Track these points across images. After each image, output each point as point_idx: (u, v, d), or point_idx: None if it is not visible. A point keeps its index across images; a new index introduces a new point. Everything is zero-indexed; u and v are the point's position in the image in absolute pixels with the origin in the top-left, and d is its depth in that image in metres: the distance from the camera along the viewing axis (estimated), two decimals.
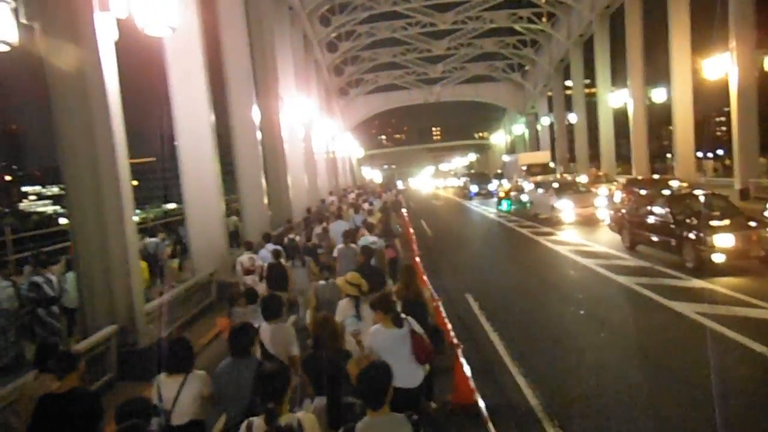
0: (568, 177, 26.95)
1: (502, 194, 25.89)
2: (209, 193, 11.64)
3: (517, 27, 40.51)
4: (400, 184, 63.67)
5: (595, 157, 37.44)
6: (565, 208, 18.12)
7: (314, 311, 6.17)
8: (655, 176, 20.01)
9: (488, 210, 26.34)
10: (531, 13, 38.04)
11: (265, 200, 16.00)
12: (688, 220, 10.62)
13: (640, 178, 21.05)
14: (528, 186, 30.31)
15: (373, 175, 79.75)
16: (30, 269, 9.91)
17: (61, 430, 3.49)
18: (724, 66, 19.79)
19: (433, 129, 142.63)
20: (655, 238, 11.59)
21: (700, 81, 23.74)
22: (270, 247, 9.57)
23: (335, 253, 9.14)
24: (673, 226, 10.86)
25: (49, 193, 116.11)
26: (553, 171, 33.50)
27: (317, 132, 28.59)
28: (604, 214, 17.44)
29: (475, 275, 12.30)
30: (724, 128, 48.33)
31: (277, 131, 19.76)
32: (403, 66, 47.48)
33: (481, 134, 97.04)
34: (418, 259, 11.94)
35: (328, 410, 3.74)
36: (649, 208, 11.96)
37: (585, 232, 16.49)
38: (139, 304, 7.57)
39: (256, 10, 19.51)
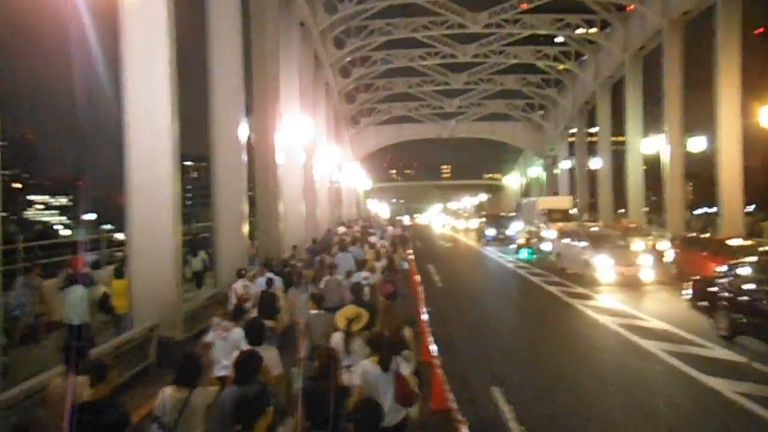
0: (595, 227, 23.95)
1: (522, 241, 23.06)
2: (162, 222, 8.98)
3: (540, 65, 38.43)
4: (406, 219, 60.92)
5: (621, 206, 34.84)
6: (604, 265, 15.25)
7: (305, 340, 6.39)
8: (735, 239, 16.09)
9: (505, 257, 23.47)
10: (558, 51, 36.00)
11: (245, 230, 13.32)
12: None
13: (703, 236, 17.81)
14: (550, 234, 27.60)
15: (380, 209, 77.41)
16: (23, 280, 10.17)
17: None
18: None
19: (443, 166, 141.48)
20: None
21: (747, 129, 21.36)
22: (268, 275, 9.23)
23: (322, 284, 9.18)
24: None
25: (56, 204, 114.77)
26: (575, 218, 30.70)
27: (321, 159, 26.16)
28: (649, 275, 15.10)
29: (500, 355, 9.33)
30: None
31: (271, 153, 17.30)
32: (418, 98, 45.40)
33: (490, 175, 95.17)
34: (425, 317, 9.19)
35: None
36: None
37: (631, 297, 13.65)
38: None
39: (260, 16, 17.36)
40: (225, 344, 5.61)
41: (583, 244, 16.58)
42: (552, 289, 15.11)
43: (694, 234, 19.22)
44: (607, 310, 12.22)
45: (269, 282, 8.70)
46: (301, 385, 4.21)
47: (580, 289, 14.66)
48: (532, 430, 6.07)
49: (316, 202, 24.57)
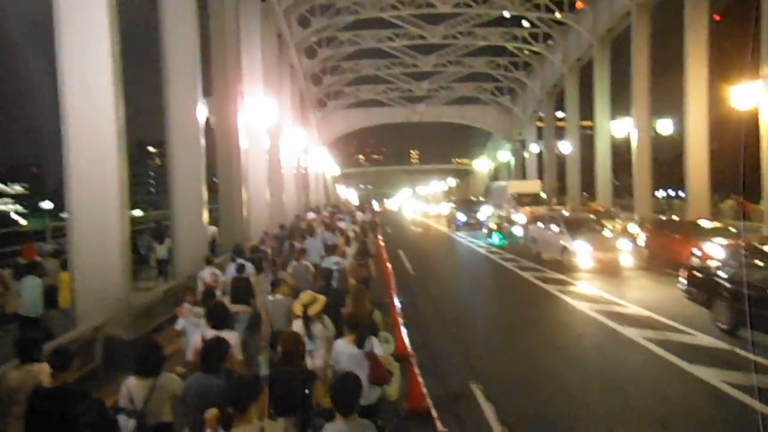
0: (565, 211, 23.79)
1: (493, 226, 22.72)
2: (106, 209, 8.11)
3: (510, 47, 38.06)
4: (375, 205, 60.32)
5: (586, 189, 35.01)
6: (582, 251, 14.76)
7: (267, 325, 6.44)
8: (705, 220, 15.77)
9: (476, 242, 23.14)
10: (527, 33, 35.66)
11: (205, 217, 12.48)
12: None
13: (674, 218, 17.56)
14: (521, 218, 27.42)
15: (349, 194, 76.51)
16: None
17: (52, 424, 3.49)
18: (753, 95, 17.21)
19: (411, 152, 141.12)
20: None
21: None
22: (239, 261, 8.98)
23: (289, 270, 9.00)
24: None
25: (11, 192, 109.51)
26: (545, 202, 30.66)
27: (287, 143, 25.21)
28: (627, 260, 14.68)
29: (478, 348, 8.89)
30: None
31: (233, 137, 16.41)
32: (386, 81, 44.49)
33: (458, 160, 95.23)
34: (398, 304, 8.68)
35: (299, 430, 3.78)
36: None
37: (609, 284, 13.23)
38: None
39: None
40: (197, 331, 5.43)
41: (560, 229, 16.12)
42: (527, 275, 14.76)
43: (663, 216, 19.13)
44: (582, 296, 11.88)
45: (240, 267, 8.52)
46: (265, 371, 4.21)
47: (555, 275, 14.34)
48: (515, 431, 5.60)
49: (282, 187, 23.70)
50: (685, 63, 21.68)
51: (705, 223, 15.66)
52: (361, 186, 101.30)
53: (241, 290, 7.51)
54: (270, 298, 6.82)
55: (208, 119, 16.26)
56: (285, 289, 6.81)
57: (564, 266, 15.16)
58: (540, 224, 17.90)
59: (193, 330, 5.60)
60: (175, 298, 11.11)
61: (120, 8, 8.22)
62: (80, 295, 8.09)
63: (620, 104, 30.22)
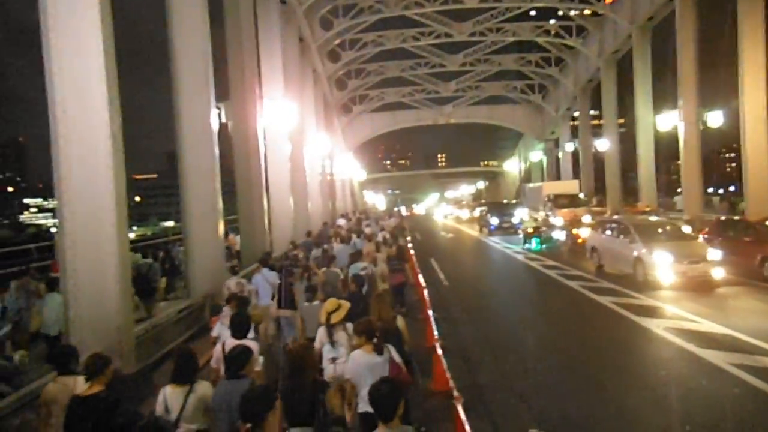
0: (648, 215, 21.21)
1: (530, 230, 21.19)
2: (102, 227, 7.12)
3: (541, 41, 36.39)
4: (403, 210, 59.13)
5: (626, 189, 33.10)
6: (663, 264, 12.11)
7: (303, 332, 6.65)
8: None
9: (512, 248, 21.65)
10: (559, 26, 33.98)
11: (220, 230, 11.47)
12: None
13: (736, 218, 15.56)
14: (558, 221, 25.77)
15: (376, 200, 75.54)
16: (15, 284, 9.80)
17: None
18: None
19: (439, 155, 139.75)
20: None
21: None
22: (266, 272, 9.09)
23: (317, 277, 9.04)
24: None
25: (50, 206, 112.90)
26: (584, 203, 28.90)
27: (311, 149, 24.26)
28: (720, 273, 11.93)
29: (533, 378, 7.29)
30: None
31: (252, 142, 15.47)
32: (412, 82, 43.29)
33: (486, 163, 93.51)
34: (435, 332, 7.64)
35: None
36: None
37: (703, 304, 10.44)
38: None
39: None
40: (227, 331, 5.43)
41: (631, 237, 13.52)
42: (591, 295, 11.97)
43: (726, 217, 17.31)
44: (691, 332, 8.70)
45: (288, 272, 8.83)
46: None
47: (629, 294, 11.64)
48: None
49: (307, 194, 22.72)
50: (739, 47, 19.89)
51: None
52: (389, 191, 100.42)
53: (289, 295, 8.12)
54: (306, 304, 6.83)
55: (225, 124, 15.44)
56: (321, 295, 6.91)
57: (638, 282, 12.61)
58: (604, 231, 15.38)
59: (225, 331, 5.62)
60: (190, 319, 10.24)
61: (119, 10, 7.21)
62: (74, 323, 7.07)
63: (660, 98, 28.39)
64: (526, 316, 11.23)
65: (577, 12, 31.87)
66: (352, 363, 4.38)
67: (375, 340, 4.42)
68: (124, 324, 7.26)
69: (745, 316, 9.67)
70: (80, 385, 3.93)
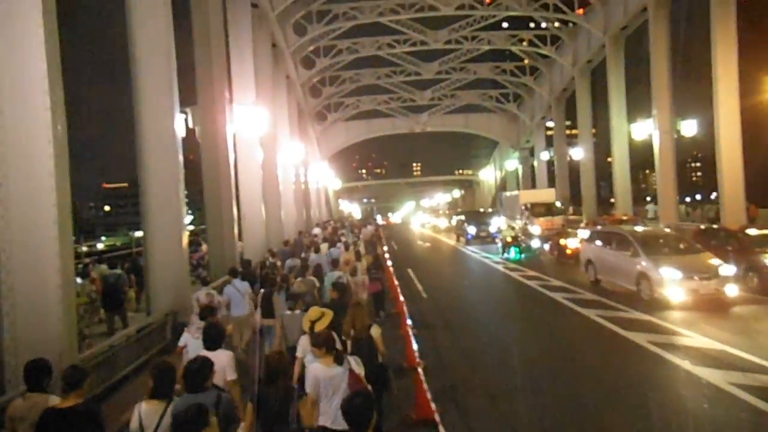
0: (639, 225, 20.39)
1: (508, 239, 20.78)
2: (42, 241, 6.36)
3: (516, 50, 36.49)
4: (379, 219, 58.60)
5: (598, 198, 33.21)
6: (672, 280, 10.97)
7: (281, 340, 6.63)
8: (751, 228, 13.61)
9: (491, 258, 21.25)
10: (533, 35, 34.09)
11: (184, 242, 10.70)
12: None
13: (714, 227, 15.17)
14: (536, 230, 25.55)
15: (352, 209, 74.86)
16: None
17: None
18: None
19: (414, 164, 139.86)
20: None
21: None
22: (237, 283, 9.02)
23: (295, 286, 8.94)
24: None
25: None
26: (561, 211, 28.80)
27: (284, 156, 23.53)
28: (733, 290, 10.91)
29: (527, 410, 6.56)
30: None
31: (221, 148, 14.77)
32: (388, 90, 42.93)
33: (461, 171, 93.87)
34: (415, 348, 7.06)
35: None
36: None
37: (719, 326, 9.43)
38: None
39: None
40: (195, 344, 5.60)
41: (633, 249, 12.30)
42: (585, 311, 11.01)
43: (705, 226, 17.18)
44: (707, 357, 7.78)
45: (268, 280, 8.76)
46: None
47: (629, 312, 10.68)
48: None
49: (280, 203, 21.96)
50: (712, 55, 19.97)
51: (753, 232, 13.80)
52: (364, 200, 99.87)
53: (270, 306, 7.98)
54: (287, 312, 6.80)
55: (193, 130, 14.67)
56: (301, 304, 6.83)
57: (641, 300, 11.52)
58: (601, 243, 14.11)
59: (195, 343, 5.60)
60: (149, 340, 9.39)
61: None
62: (9, 348, 6.25)
63: (634, 107, 28.61)
64: (511, 332, 10.60)
65: (550, 23, 31.95)
66: (310, 376, 4.29)
67: (335, 351, 4.35)
68: (68, 349, 6.47)
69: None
70: (52, 403, 3.78)
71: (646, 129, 25.18)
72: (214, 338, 4.90)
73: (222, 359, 4.64)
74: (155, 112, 10.19)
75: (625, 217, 21.72)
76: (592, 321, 10.41)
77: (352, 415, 2.91)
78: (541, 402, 6.75)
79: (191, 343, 5.81)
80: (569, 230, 20.80)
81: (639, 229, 14.68)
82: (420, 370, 6.26)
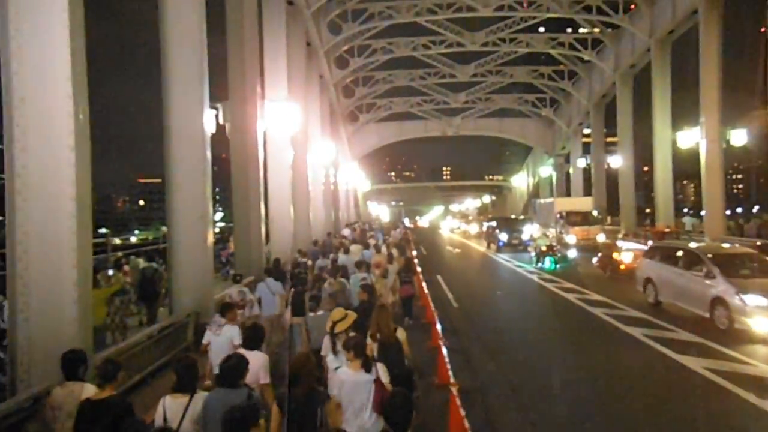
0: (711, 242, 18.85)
1: (543, 248, 19.89)
2: (60, 234, 6.06)
3: (555, 53, 35.47)
4: (406, 222, 58.05)
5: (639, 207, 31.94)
6: (757, 308, 9.43)
7: (307, 343, 6.52)
8: None
9: (524, 267, 20.44)
10: (573, 39, 33.05)
11: (210, 240, 10.36)
12: None
13: None
14: (572, 239, 24.60)
15: (380, 211, 74.50)
16: None
17: None
18: None
19: (444, 168, 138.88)
20: None
21: None
22: (270, 282, 9.17)
23: (327, 285, 8.72)
24: None
25: None
26: (598, 221, 27.72)
27: (315, 156, 23.23)
28: None
29: None
30: None
31: (251, 145, 14.47)
32: (421, 92, 42.35)
33: (491, 177, 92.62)
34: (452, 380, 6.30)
35: None
36: None
37: None
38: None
39: None
40: (217, 342, 5.80)
41: (706, 270, 10.74)
42: (648, 342, 9.35)
43: (759, 242, 16.05)
44: None
45: (300, 279, 9.01)
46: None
47: (705, 343, 9.09)
48: None
49: (309, 203, 21.65)
50: None
51: None
52: (392, 203, 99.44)
53: (300, 304, 7.88)
54: (311, 314, 6.75)
55: (223, 126, 14.43)
56: (332, 304, 6.73)
57: (714, 328, 9.93)
58: (660, 259, 12.54)
59: (215, 340, 5.79)
60: (169, 340, 9.08)
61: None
62: (22, 347, 5.97)
63: (677, 115, 27.34)
64: (554, 356, 9.41)
65: (592, 26, 30.83)
66: (336, 380, 4.28)
67: (363, 357, 4.29)
68: (83, 349, 6.12)
69: None
70: (87, 392, 3.89)
71: (692, 137, 24.02)
72: (254, 338, 4.90)
73: (257, 361, 4.64)
74: (184, 106, 9.88)
75: (668, 230, 20.59)
76: (657, 352, 8.83)
77: (392, 414, 2.96)
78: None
79: (214, 340, 5.88)
80: (619, 243, 19.23)
81: (712, 245, 13.30)
82: (454, 391, 5.68)
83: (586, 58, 33.98)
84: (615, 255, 17.34)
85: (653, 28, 27.10)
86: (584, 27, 31.53)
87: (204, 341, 6.10)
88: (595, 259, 18.60)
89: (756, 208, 52.88)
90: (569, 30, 34.59)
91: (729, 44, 23.77)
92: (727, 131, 22.96)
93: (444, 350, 7.18)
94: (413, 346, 5.86)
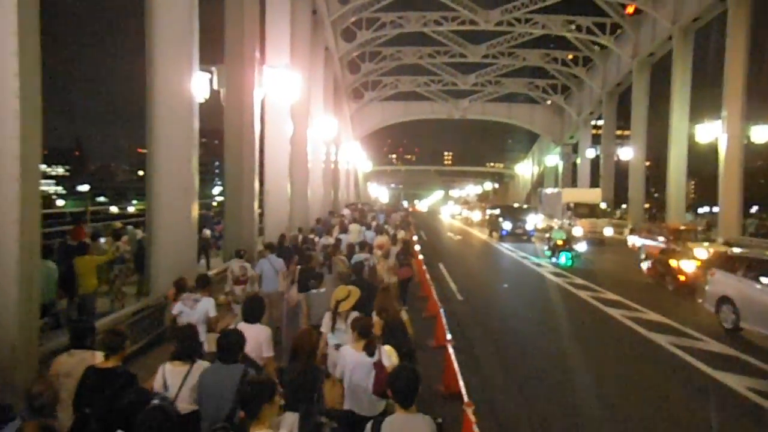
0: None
1: (559, 242, 18.43)
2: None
3: (571, 37, 34.08)
4: (405, 205, 57.03)
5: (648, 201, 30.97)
6: None
7: (307, 319, 6.50)
8: None
9: (532, 260, 19.40)
10: (592, 22, 31.65)
11: (194, 214, 9.34)
12: None
13: None
14: (578, 231, 23.58)
15: (379, 193, 73.44)
16: None
17: (101, 403, 3.55)
18: None
19: (445, 153, 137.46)
20: None
21: None
22: (273, 259, 8.94)
23: (336, 263, 8.50)
24: None
25: (53, 173, 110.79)
26: (606, 214, 26.73)
27: (316, 132, 22.05)
28: None
29: None
30: None
31: (247, 116, 13.35)
32: (429, 71, 40.91)
33: (492, 164, 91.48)
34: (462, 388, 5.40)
35: (299, 427, 3.77)
36: None
37: None
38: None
39: None
40: (192, 314, 5.61)
41: None
42: (730, 383, 6.99)
43: None
44: None
45: (306, 256, 8.73)
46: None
47: None
48: None
49: (307, 180, 20.55)
50: None
51: None
52: (392, 185, 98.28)
53: (307, 279, 7.32)
54: (313, 291, 6.74)
55: (218, 92, 13.30)
56: (333, 283, 6.67)
57: None
58: (744, 274, 9.65)
59: (189, 313, 5.64)
60: (145, 324, 8.19)
61: None
62: None
63: (694, 108, 26.19)
64: (577, 360, 8.21)
65: (612, 10, 29.40)
66: (339, 358, 4.29)
67: (367, 339, 4.26)
68: (24, 341, 5.11)
69: None
70: (97, 360, 3.91)
71: (712, 132, 22.92)
72: (254, 312, 4.81)
73: (261, 335, 4.60)
74: (170, 69, 8.77)
75: (683, 227, 19.53)
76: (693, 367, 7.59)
77: (399, 387, 3.02)
78: None
79: (187, 313, 5.69)
80: (683, 245, 15.47)
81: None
82: (469, 412, 4.72)
83: (603, 43, 32.62)
84: (672, 262, 13.61)
85: (677, 14, 25.80)
86: (604, 11, 30.04)
87: (174, 311, 5.86)
88: (645, 265, 15.17)
89: (755, 208, 51.78)
90: (589, 12, 33.15)
91: (756, 36, 22.60)
92: (748, 127, 21.93)
93: (452, 356, 6.22)
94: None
